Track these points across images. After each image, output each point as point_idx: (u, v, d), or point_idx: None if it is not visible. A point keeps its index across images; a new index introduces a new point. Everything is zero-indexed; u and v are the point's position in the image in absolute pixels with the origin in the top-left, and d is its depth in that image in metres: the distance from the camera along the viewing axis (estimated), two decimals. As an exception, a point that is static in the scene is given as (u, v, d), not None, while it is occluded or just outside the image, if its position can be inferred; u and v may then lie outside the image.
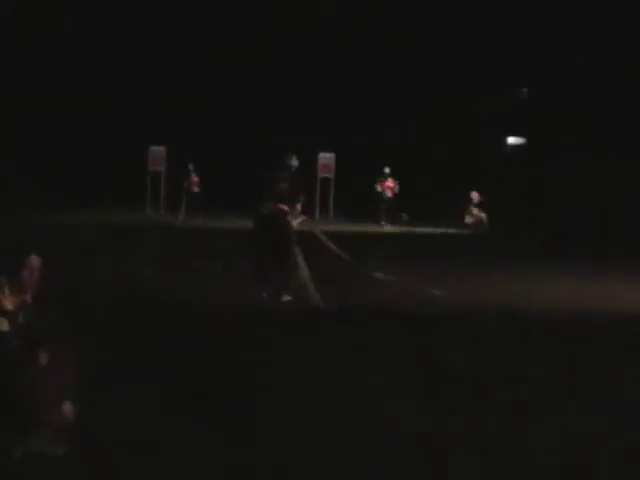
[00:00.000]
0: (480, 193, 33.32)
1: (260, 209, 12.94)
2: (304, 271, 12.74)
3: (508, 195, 34.57)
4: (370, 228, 31.18)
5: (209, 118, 39.85)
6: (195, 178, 32.26)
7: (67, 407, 5.57)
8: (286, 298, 12.69)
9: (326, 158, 37.50)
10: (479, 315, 12.50)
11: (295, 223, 12.96)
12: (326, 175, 37.68)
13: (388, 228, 31.63)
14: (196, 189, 32.06)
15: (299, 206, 12.98)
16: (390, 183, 32.65)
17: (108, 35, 39.18)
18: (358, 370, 8.93)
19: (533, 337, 11.00)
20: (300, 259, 12.82)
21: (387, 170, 32.73)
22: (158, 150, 36.72)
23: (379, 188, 32.60)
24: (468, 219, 33.33)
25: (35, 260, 5.81)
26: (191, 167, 32.34)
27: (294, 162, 13.12)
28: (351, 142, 36.60)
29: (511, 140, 42.54)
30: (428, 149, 38.79)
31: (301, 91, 39.83)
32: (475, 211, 33.40)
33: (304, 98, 39.64)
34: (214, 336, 10.42)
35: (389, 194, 32.61)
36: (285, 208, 12.82)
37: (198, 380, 8.23)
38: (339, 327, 11.18)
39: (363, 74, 39.49)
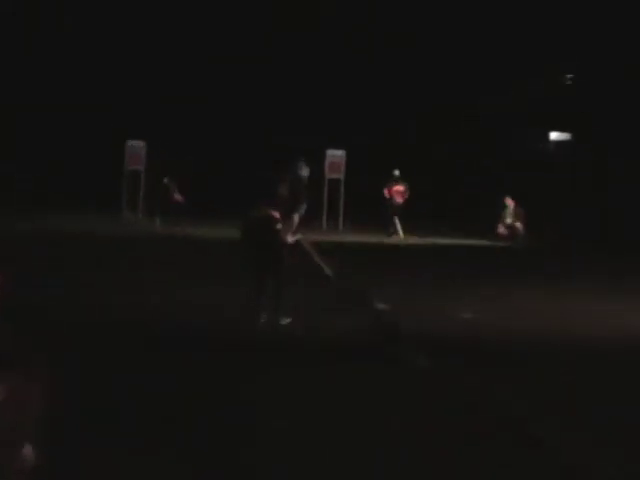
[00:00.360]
0: (515, 199, 28.84)
1: (249, 215, 11.43)
2: None
3: (552, 201, 31.06)
4: (385, 239, 27.61)
5: (208, 118, 39.85)
6: (174, 189, 28.87)
7: (27, 450, 4.88)
8: (285, 321, 11.19)
9: (335, 156, 32.83)
10: (511, 342, 11.13)
11: (290, 239, 11.34)
12: (335, 176, 32.63)
13: (396, 237, 28.35)
14: (178, 197, 28.68)
15: (296, 217, 11.31)
16: (400, 187, 29.28)
17: (108, 35, 39.21)
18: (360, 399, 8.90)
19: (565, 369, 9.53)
20: None
21: (397, 173, 29.46)
22: (137, 146, 32.26)
23: (387, 194, 29.22)
24: (501, 229, 28.56)
25: None
26: (166, 181, 29.10)
27: (304, 172, 11.56)
28: (351, 142, 36.38)
29: (554, 136, 37.15)
30: (429, 149, 38.73)
31: (301, 91, 39.84)
32: (509, 220, 28.58)
33: (304, 98, 39.64)
34: (213, 337, 10.42)
35: (399, 199, 29.23)
36: (276, 215, 11.21)
37: (197, 381, 8.24)
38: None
39: (363, 74, 39.51)
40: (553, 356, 10.32)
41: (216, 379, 8.33)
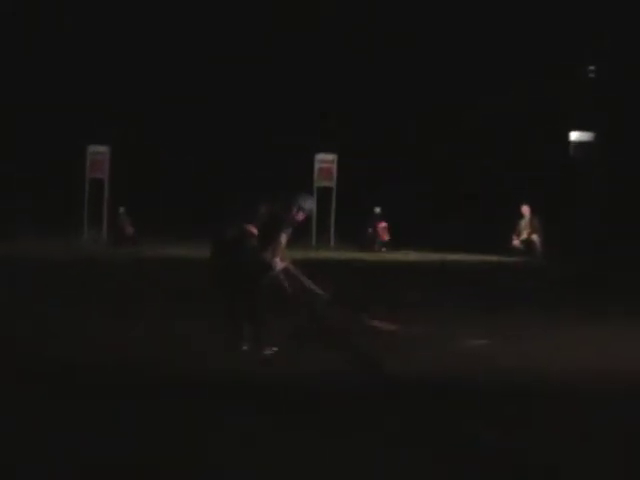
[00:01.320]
0: (532, 208, 25.80)
1: (221, 231, 10.29)
2: None
3: (573, 210, 28.99)
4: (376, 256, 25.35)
5: (208, 118, 39.84)
6: (127, 222, 27.68)
7: None
8: (269, 351, 9.84)
9: (326, 161, 29.70)
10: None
11: (278, 267, 10.14)
12: (326, 184, 29.28)
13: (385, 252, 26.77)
14: (130, 232, 27.52)
15: (284, 239, 10.13)
16: (383, 224, 27.89)
17: (108, 35, 39.20)
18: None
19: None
20: None
21: (378, 210, 28.16)
22: (99, 151, 29.40)
23: (371, 231, 27.86)
24: (516, 241, 25.47)
25: None
26: (122, 211, 27.91)
27: (308, 205, 10.48)
28: (351, 142, 36.27)
29: (575, 136, 33.29)
30: (429, 149, 38.68)
31: (300, 91, 39.82)
32: (525, 232, 25.56)
33: (303, 98, 39.62)
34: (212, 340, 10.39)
35: (384, 237, 27.82)
36: (252, 230, 10.02)
37: (198, 379, 8.24)
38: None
39: (363, 74, 39.48)
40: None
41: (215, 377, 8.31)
